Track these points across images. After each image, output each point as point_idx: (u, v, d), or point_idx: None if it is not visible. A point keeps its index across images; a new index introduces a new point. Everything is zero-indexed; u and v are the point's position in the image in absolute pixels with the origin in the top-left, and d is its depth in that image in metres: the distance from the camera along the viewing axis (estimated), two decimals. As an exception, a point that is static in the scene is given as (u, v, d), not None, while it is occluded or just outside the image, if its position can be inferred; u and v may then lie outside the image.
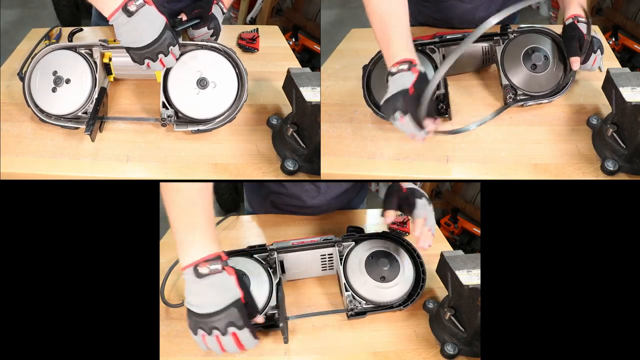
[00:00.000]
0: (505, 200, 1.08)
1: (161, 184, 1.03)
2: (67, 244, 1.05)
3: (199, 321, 0.94)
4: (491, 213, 1.08)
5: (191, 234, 0.98)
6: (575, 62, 1.18)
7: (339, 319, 1.13)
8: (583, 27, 1.18)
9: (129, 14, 1.05)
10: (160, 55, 1.11)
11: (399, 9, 1.10)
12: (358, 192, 1.46)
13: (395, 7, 1.10)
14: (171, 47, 1.12)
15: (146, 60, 1.11)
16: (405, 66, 1.06)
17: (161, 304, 1.15)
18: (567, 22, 1.21)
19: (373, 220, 1.50)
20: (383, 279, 1.14)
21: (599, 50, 1.19)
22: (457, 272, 1.03)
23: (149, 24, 1.07)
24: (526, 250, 1.06)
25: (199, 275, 0.94)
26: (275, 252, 1.16)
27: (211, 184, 1.05)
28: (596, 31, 1.34)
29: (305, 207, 1.39)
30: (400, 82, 1.06)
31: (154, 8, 1.08)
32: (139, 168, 1.16)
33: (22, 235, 1.05)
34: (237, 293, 0.95)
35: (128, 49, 1.10)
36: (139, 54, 1.10)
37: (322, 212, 1.41)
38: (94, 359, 1.02)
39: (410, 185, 1.14)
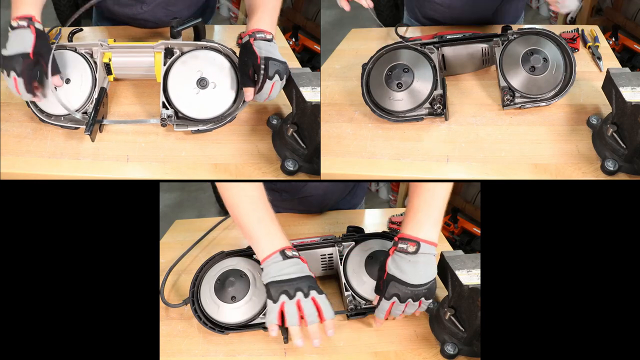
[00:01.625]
0: (505, 200, 1.08)
1: (221, 189, 1.12)
2: (67, 244, 1.05)
3: (282, 286, 1.03)
4: (491, 213, 1.08)
5: (269, 230, 1.09)
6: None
7: (339, 318, 1.13)
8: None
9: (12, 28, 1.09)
10: (12, 73, 1.07)
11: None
12: (352, 188, 1.46)
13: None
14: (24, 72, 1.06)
15: (6, 72, 1.08)
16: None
17: (161, 303, 1.15)
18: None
19: (373, 220, 1.50)
20: None
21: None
22: (457, 272, 1.03)
23: (19, 37, 1.08)
24: (526, 250, 1.06)
25: (285, 257, 1.06)
26: None
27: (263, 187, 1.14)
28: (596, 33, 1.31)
29: (298, 197, 1.38)
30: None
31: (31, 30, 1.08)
32: (139, 168, 1.16)
33: (23, 236, 1.05)
34: (310, 273, 1.07)
35: None
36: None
37: (321, 206, 1.41)
38: (95, 359, 1.02)
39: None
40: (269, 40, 1.13)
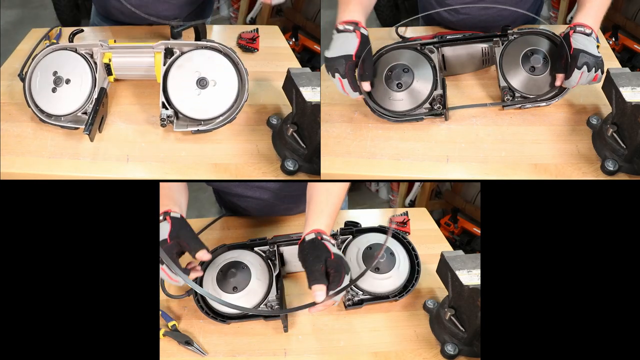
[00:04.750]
0: (505, 200, 1.08)
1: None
2: (67, 244, 1.05)
3: None
4: (491, 213, 1.08)
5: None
6: (558, 78, 1.18)
7: (339, 318, 1.13)
8: (578, 39, 1.15)
9: None
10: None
11: None
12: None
13: None
14: None
15: None
16: (350, 27, 1.15)
17: (161, 304, 1.15)
18: (564, 32, 1.17)
19: (373, 220, 1.51)
20: (377, 270, 1.15)
21: (584, 67, 1.12)
22: (457, 272, 1.03)
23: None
24: (526, 250, 1.06)
25: None
26: (275, 245, 1.18)
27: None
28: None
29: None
30: (345, 44, 1.14)
31: None
32: (139, 168, 1.16)
33: (23, 236, 1.05)
34: None
35: None
36: None
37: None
38: (94, 359, 1.02)
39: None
40: None
